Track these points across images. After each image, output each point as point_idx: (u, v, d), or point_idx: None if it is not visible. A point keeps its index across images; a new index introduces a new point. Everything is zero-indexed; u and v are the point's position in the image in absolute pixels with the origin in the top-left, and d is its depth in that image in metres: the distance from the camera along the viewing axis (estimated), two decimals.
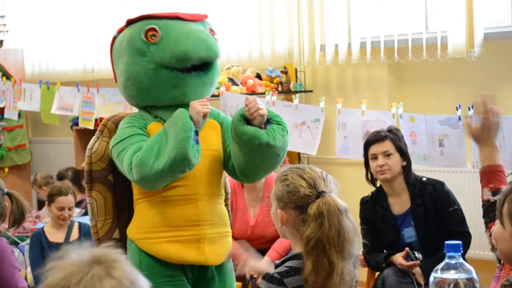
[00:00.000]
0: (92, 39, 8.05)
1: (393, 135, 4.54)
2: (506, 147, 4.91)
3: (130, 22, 3.56)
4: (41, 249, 5.33)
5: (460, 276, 1.85)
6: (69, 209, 5.39)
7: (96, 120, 6.93)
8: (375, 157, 4.49)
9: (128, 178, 3.43)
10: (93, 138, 3.67)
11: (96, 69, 8.04)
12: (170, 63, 3.42)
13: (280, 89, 6.47)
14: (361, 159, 4.68)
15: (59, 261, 1.74)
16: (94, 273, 1.71)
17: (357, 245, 2.71)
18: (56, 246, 5.34)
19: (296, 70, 6.61)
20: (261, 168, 3.54)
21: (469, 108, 4.99)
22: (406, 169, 4.52)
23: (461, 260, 1.88)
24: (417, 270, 4.36)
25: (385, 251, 4.53)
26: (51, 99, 6.92)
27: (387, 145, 4.49)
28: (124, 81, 3.55)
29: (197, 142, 3.31)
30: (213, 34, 3.54)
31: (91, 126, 6.85)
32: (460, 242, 1.93)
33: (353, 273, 2.67)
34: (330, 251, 2.61)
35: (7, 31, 8.52)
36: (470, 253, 4.68)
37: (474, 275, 1.87)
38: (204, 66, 3.50)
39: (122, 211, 3.68)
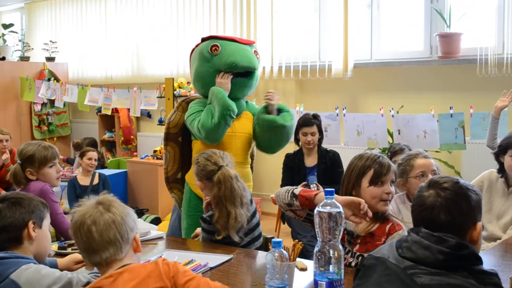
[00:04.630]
0: (111, 57, 7.87)
1: (318, 121, 4.51)
2: (365, 133, 4.99)
3: (203, 40, 3.42)
4: (75, 189, 5.26)
5: (333, 210, 1.86)
6: (95, 160, 5.33)
7: (112, 109, 6.82)
8: (305, 134, 4.44)
9: (198, 138, 3.31)
10: (172, 111, 3.53)
11: (113, 76, 7.86)
12: (224, 68, 3.28)
13: None
14: None
15: (78, 207, 1.75)
16: (98, 210, 1.70)
17: (246, 197, 2.70)
18: (84, 187, 5.27)
19: None
20: (277, 143, 3.43)
21: (343, 108, 5.05)
22: (320, 141, 4.51)
23: (334, 200, 1.89)
24: None
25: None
26: (84, 95, 6.84)
27: (314, 128, 4.45)
28: (194, 78, 3.42)
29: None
30: (256, 54, 3.40)
31: (109, 113, 6.77)
32: (333, 189, 1.94)
33: (245, 215, 2.67)
34: (226, 204, 2.64)
35: (58, 51, 8.34)
36: None
37: (341, 210, 1.88)
38: (247, 74, 3.34)
39: (185, 161, 3.51)
